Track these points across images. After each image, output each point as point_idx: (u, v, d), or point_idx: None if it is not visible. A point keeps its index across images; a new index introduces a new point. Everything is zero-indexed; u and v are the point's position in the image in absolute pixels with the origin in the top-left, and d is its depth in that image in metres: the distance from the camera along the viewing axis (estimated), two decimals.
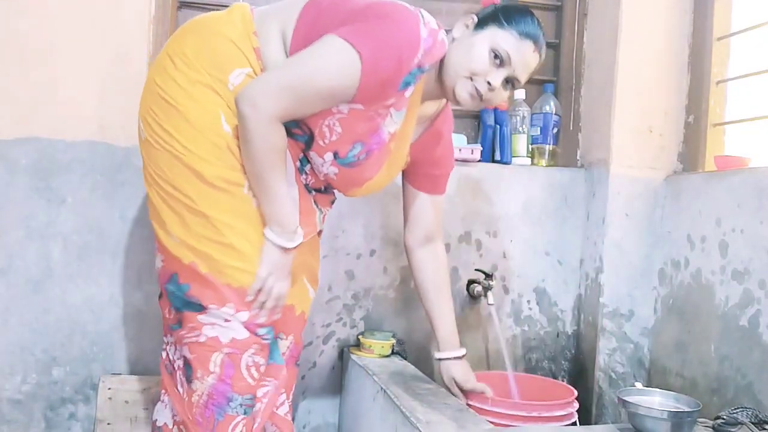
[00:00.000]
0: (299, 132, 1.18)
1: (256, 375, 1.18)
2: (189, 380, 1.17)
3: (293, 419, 1.67)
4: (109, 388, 1.52)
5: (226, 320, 1.14)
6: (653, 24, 1.73)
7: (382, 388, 1.36)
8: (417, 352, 1.74)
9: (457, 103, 1.20)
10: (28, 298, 1.51)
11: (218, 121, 1.13)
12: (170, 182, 1.14)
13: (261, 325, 1.17)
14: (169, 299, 1.19)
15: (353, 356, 1.62)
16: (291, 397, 1.38)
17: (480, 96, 1.16)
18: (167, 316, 1.24)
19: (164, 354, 1.29)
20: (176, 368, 1.24)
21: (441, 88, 1.20)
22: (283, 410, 1.35)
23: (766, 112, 1.53)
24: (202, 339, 1.15)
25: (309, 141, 1.18)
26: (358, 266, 1.71)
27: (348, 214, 1.70)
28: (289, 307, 1.30)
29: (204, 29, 1.19)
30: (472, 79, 1.16)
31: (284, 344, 1.33)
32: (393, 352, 1.65)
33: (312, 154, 1.20)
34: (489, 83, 1.15)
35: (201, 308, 1.15)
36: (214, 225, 1.13)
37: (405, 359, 1.64)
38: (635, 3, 1.71)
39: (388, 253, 1.73)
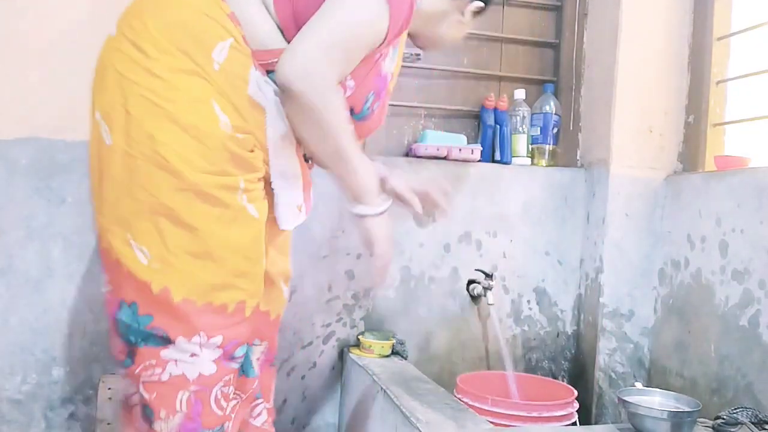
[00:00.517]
0: None
1: (225, 404, 1.07)
2: (149, 421, 1.03)
3: (293, 420, 1.68)
4: (109, 388, 1.51)
5: (193, 354, 1.01)
6: (653, 24, 1.73)
7: (382, 388, 1.36)
8: (417, 352, 1.74)
9: (425, 46, 1.26)
10: (28, 298, 1.51)
11: (212, 113, 1.00)
12: (150, 193, 0.99)
13: (239, 344, 1.06)
14: (120, 331, 1.03)
15: (353, 356, 1.62)
16: (272, 399, 1.31)
17: None
18: (115, 349, 1.07)
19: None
20: (132, 404, 1.09)
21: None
22: (261, 420, 1.27)
23: (766, 112, 1.53)
24: (165, 377, 1.02)
25: None
26: (358, 266, 1.71)
27: (348, 214, 1.69)
28: (266, 312, 1.24)
29: (164, 4, 1.03)
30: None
31: (259, 349, 1.25)
32: (393, 352, 1.65)
33: None
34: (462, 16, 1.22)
35: (166, 342, 1.01)
36: (202, 238, 1.00)
37: (405, 359, 1.64)
38: (635, 3, 1.71)
39: None
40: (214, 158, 1.00)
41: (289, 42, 1.04)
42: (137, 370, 1.03)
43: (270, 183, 1.09)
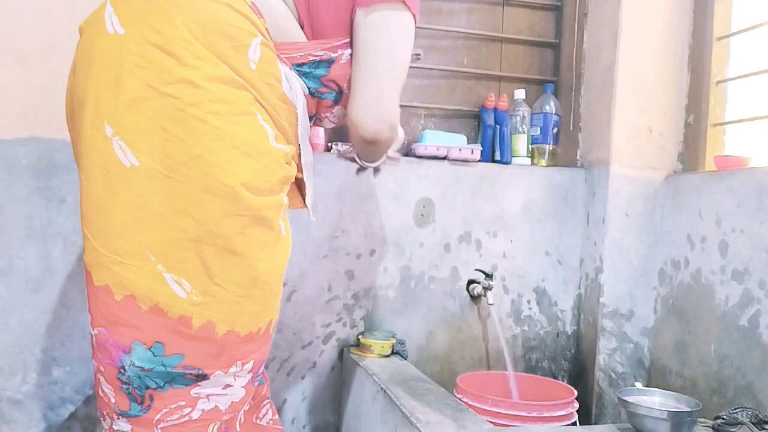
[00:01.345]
0: (326, 90, 1.07)
1: (243, 420, 1.06)
2: None
3: (293, 420, 1.68)
4: None
5: (227, 386, 0.94)
6: (653, 24, 1.73)
7: (382, 388, 1.36)
8: (417, 352, 1.74)
9: None
10: (28, 298, 1.51)
11: (259, 126, 0.92)
12: (195, 220, 0.88)
13: (263, 363, 1.02)
14: (127, 379, 0.90)
15: (353, 356, 1.62)
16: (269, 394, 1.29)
17: None
18: (111, 400, 0.93)
19: None
20: None
21: None
22: (267, 418, 1.21)
23: (766, 112, 1.53)
24: (196, 415, 0.93)
25: (338, 96, 1.09)
26: (358, 266, 1.71)
27: (348, 214, 1.70)
28: None
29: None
30: None
31: None
32: (393, 352, 1.65)
33: (337, 108, 1.11)
34: None
35: (200, 378, 0.92)
36: (251, 266, 0.92)
37: (405, 359, 1.64)
38: (635, 3, 1.71)
39: (388, 253, 1.73)
40: (269, 176, 0.93)
41: (304, 32, 1.04)
42: (157, 416, 0.91)
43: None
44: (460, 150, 1.75)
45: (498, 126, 1.86)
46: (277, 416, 1.22)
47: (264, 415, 1.19)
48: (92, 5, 1.51)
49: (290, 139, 1.02)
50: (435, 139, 1.77)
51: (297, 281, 1.66)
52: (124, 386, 0.91)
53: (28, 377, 1.52)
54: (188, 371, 0.91)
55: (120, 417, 0.93)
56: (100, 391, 0.95)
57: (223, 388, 0.94)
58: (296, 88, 1.02)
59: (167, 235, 0.88)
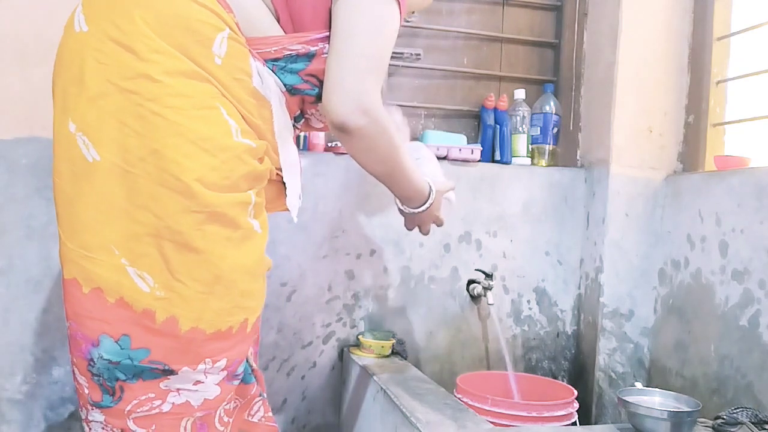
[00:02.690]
0: (307, 87, 1.03)
1: (227, 419, 1.02)
2: None
3: (293, 420, 1.68)
4: None
5: (197, 382, 0.93)
6: (653, 24, 1.73)
7: (382, 388, 1.36)
8: (417, 352, 1.74)
9: None
10: (28, 298, 1.51)
11: (221, 120, 0.91)
12: (154, 214, 0.88)
13: (240, 362, 1.00)
14: (97, 371, 0.90)
15: (353, 356, 1.62)
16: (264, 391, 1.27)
17: None
18: (85, 390, 0.93)
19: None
20: None
21: None
22: (259, 415, 1.19)
23: (766, 112, 1.53)
24: (166, 408, 0.92)
25: (320, 92, 1.03)
26: (358, 266, 1.71)
27: (348, 214, 1.70)
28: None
29: None
30: None
31: (251, 350, 1.19)
32: (393, 352, 1.65)
33: (321, 104, 1.06)
34: None
35: (167, 373, 0.91)
36: (212, 263, 0.91)
37: (405, 359, 1.64)
38: (635, 3, 1.71)
39: (388, 253, 1.73)
40: (229, 173, 0.91)
41: (281, 26, 1.01)
42: (128, 407, 0.91)
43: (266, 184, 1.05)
44: (460, 150, 1.76)
45: (498, 126, 1.86)
46: (270, 413, 1.21)
47: (256, 413, 1.18)
48: None
49: (263, 136, 0.99)
50: (435, 139, 1.77)
51: (297, 281, 1.66)
52: (95, 378, 0.92)
53: (28, 377, 1.52)
54: (154, 365, 0.91)
55: (93, 408, 0.94)
56: (75, 382, 0.96)
57: (193, 384, 0.94)
58: (269, 83, 0.99)
59: (129, 230, 0.88)
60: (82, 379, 0.94)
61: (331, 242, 1.69)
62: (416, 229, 1.29)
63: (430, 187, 1.19)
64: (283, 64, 1.01)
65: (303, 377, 1.69)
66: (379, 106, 0.97)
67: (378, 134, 0.98)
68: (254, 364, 1.18)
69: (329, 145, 1.72)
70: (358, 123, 0.95)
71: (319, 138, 1.72)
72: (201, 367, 0.93)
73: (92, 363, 0.91)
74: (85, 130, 0.89)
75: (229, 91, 0.93)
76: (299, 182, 1.12)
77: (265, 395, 1.25)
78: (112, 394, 0.92)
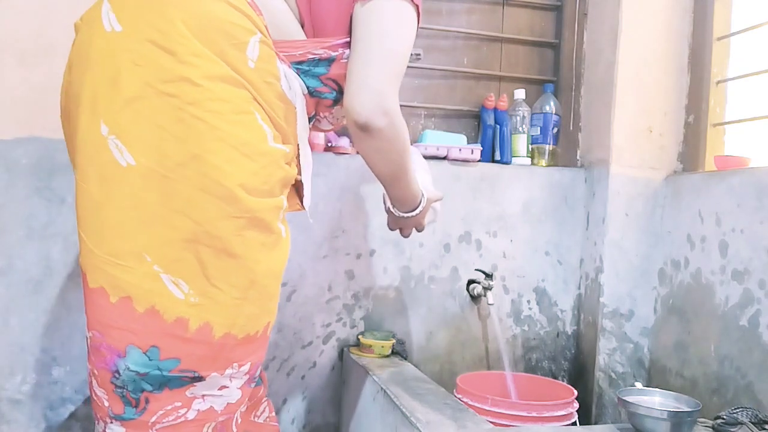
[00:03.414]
0: (326, 90, 1.05)
1: (240, 420, 1.03)
2: None
3: (293, 420, 1.68)
4: None
5: (223, 387, 0.94)
6: (653, 24, 1.73)
7: (382, 388, 1.36)
8: (417, 352, 1.74)
9: None
10: (28, 298, 1.51)
11: (257, 126, 0.91)
12: (193, 220, 0.87)
13: (260, 365, 1.01)
14: (122, 383, 0.89)
15: (353, 356, 1.62)
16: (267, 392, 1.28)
17: None
18: (105, 403, 0.91)
19: None
20: None
21: None
22: (264, 416, 1.21)
23: (766, 112, 1.53)
24: (191, 416, 0.92)
25: (338, 96, 1.07)
26: (358, 266, 1.71)
27: (348, 214, 1.70)
28: None
29: None
30: None
31: None
32: (393, 352, 1.65)
33: (336, 108, 1.11)
34: None
35: (196, 380, 0.91)
36: (249, 268, 0.91)
37: (405, 359, 1.64)
38: (635, 3, 1.71)
39: (388, 253, 1.73)
40: (267, 177, 0.92)
41: (305, 31, 1.03)
42: (152, 419, 0.90)
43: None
44: (460, 150, 1.75)
45: (498, 126, 1.86)
46: (273, 413, 1.22)
47: (262, 413, 1.19)
48: (92, 5, 1.49)
49: (288, 139, 1.01)
50: (435, 139, 1.77)
51: (297, 281, 1.66)
52: (118, 390, 0.90)
53: (28, 377, 1.52)
54: (184, 374, 0.90)
55: (113, 420, 0.92)
56: (93, 395, 0.94)
57: (218, 389, 0.94)
58: (295, 87, 1.01)
59: (164, 235, 0.87)
60: (100, 392, 0.92)
61: (331, 242, 1.69)
62: (416, 235, 1.31)
63: (423, 194, 1.22)
64: (307, 68, 1.02)
65: (303, 377, 1.69)
66: (398, 108, 1.00)
67: (395, 136, 1.00)
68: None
69: (329, 145, 1.72)
70: (380, 123, 0.97)
71: (319, 138, 1.72)
72: (228, 371, 0.93)
73: (117, 375, 0.89)
74: (118, 134, 0.87)
75: (261, 95, 0.93)
76: (310, 179, 1.14)
77: (268, 396, 1.26)
78: (136, 406, 0.90)
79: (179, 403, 0.91)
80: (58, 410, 1.54)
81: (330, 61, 1.03)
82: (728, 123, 1.67)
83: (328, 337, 1.71)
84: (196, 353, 0.90)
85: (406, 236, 1.32)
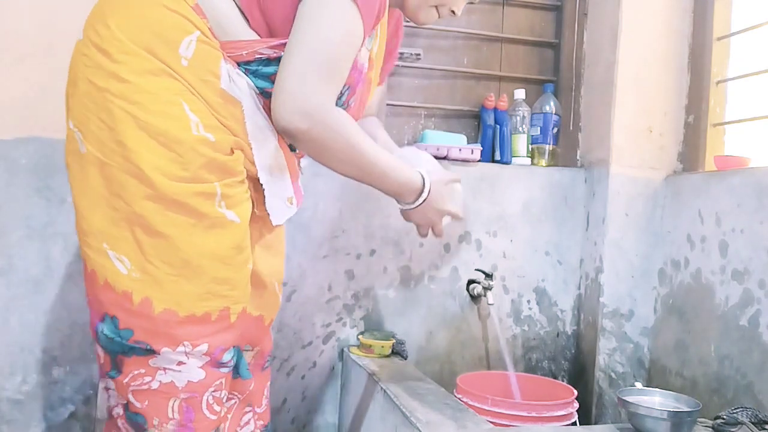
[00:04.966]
0: None
1: (218, 408, 1.06)
2: (142, 430, 1.02)
3: (293, 420, 1.68)
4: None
5: (180, 363, 0.99)
6: (653, 24, 1.73)
7: (382, 388, 1.36)
8: (417, 352, 1.74)
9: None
10: (28, 298, 1.51)
11: (182, 115, 0.97)
12: (125, 201, 0.96)
13: (225, 350, 1.04)
14: (102, 344, 1.01)
15: (353, 356, 1.62)
16: (264, 402, 1.27)
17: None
18: (101, 360, 1.04)
19: (105, 396, 1.09)
20: (115, 416, 1.06)
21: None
22: (248, 429, 1.23)
23: (766, 112, 1.53)
24: (155, 385, 1.00)
25: None
26: (358, 266, 1.71)
27: (348, 214, 1.70)
28: (258, 317, 1.20)
29: (125, 2, 1.01)
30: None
31: (249, 355, 1.22)
32: (393, 352, 1.65)
33: None
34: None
35: (151, 352, 0.99)
36: (178, 247, 0.97)
37: (405, 359, 1.64)
38: (635, 3, 1.71)
39: (388, 253, 1.73)
40: (187, 164, 0.97)
41: (253, 29, 1.03)
42: (126, 380, 1.00)
43: (256, 180, 1.07)
44: (460, 150, 1.75)
45: (498, 126, 1.86)
46: (261, 425, 1.24)
47: (246, 424, 1.22)
48: (92, 5, 1.51)
49: (237, 134, 1.02)
50: (435, 139, 1.77)
51: (297, 281, 1.66)
52: (102, 350, 1.02)
53: (28, 377, 1.52)
54: (139, 345, 0.99)
55: (107, 377, 1.03)
56: (96, 353, 1.05)
57: (176, 365, 1.00)
58: (242, 85, 1.02)
59: (108, 216, 0.98)
60: (100, 351, 1.03)
61: (331, 242, 1.69)
62: (416, 235, 1.25)
63: (424, 177, 1.16)
64: (255, 68, 1.03)
65: (303, 377, 1.69)
66: (325, 108, 0.98)
67: (326, 136, 0.99)
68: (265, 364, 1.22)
69: None
70: (300, 127, 0.96)
71: None
72: (180, 348, 0.99)
73: (99, 337, 1.01)
74: (78, 126, 1.00)
75: (196, 89, 0.99)
76: (288, 186, 1.12)
77: (263, 408, 1.27)
78: (115, 367, 1.01)
79: (143, 370, 1.00)
80: (58, 410, 1.54)
81: (279, 60, 1.01)
82: (728, 123, 1.67)
83: (328, 337, 1.71)
84: (143, 326, 0.98)
85: (438, 234, 1.23)
